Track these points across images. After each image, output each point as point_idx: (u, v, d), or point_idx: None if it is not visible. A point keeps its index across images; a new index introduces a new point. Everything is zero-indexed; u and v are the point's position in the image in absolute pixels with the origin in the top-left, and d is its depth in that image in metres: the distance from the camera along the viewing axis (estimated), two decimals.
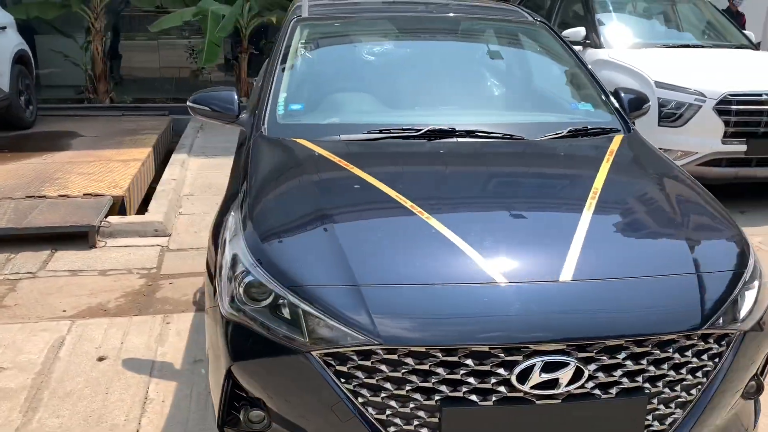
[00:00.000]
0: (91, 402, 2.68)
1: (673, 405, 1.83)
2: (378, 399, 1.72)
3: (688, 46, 6.08)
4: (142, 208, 5.71)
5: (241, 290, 1.88)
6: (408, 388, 1.71)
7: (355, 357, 1.72)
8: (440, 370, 1.70)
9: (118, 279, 3.88)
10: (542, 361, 1.69)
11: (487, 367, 1.70)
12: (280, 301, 1.82)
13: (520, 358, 1.70)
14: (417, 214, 2.04)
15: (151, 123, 7.69)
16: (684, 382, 1.82)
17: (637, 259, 1.94)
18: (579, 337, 1.72)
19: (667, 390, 1.80)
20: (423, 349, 1.69)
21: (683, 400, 1.83)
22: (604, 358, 1.73)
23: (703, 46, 6.14)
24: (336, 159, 2.35)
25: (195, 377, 2.86)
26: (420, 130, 2.54)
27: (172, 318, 3.40)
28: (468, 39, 3.30)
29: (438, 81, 2.98)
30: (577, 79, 3.03)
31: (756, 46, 6.38)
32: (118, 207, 4.84)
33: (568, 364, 1.70)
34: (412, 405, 1.72)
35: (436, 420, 1.72)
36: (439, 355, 1.70)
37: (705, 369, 1.83)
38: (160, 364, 2.97)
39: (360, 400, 1.73)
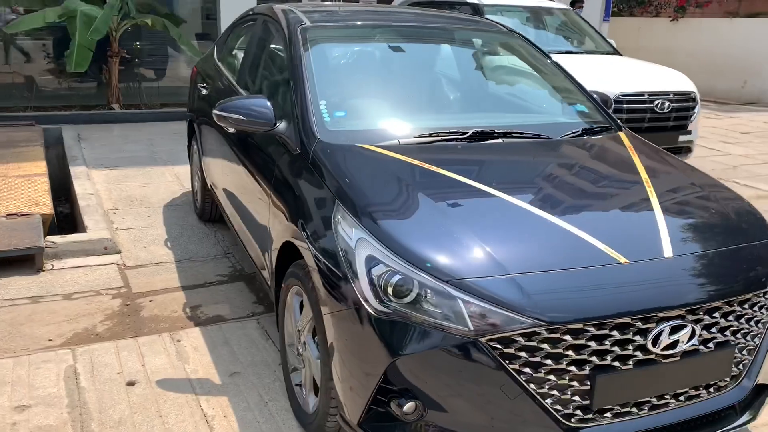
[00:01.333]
0: (150, 427, 2.56)
1: (745, 352, 2.22)
2: (540, 375, 1.92)
3: (569, 52, 6.81)
4: (64, 226, 5.30)
5: (390, 289, 1.98)
6: (565, 361, 1.93)
7: (520, 339, 1.90)
8: (591, 343, 1.94)
9: (89, 302, 3.63)
10: (669, 325, 2.00)
11: (628, 336, 1.96)
12: (428, 295, 1.94)
13: (653, 325, 1.98)
14: (522, 206, 2.26)
15: (23, 134, 7.02)
16: (752, 333, 2.22)
17: (710, 234, 2.32)
18: (693, 302, 2.04)
19: (744, 340, 2.19)
20: (580, 326, 1.92)
21: (751, 347, 2.23)
22: (707, 318, 2.08)
23: (580, 53, 6.92)
24: (418, 162, 2.49)
25: (242, 389, 2.82)
26: (466, 132, 2.74)
27: (180, 335, 3.28)
28: (467, 48, 3.54)
29: (458, 86, 3.20)
30: (565, 84, 3.40)
31: (619, 52, 7.30)
32: (48, 226, 4.46)
33: (686, 326, 2.02)
34: (567, 377, 1.94)
35: (587, 387, 1.95)
36: (592, 329, 1.93)
37: (763, 321, 2.25)
38: (198, 381, 2.89)
39: (523, 377, 1.92)
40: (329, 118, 2.77)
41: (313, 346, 2.41)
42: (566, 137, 2.92)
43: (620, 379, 1.97)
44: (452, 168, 2.49)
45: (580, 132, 2.98)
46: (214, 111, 2.88)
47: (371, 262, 2.05)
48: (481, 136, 2.77)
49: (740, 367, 2.23)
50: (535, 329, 1.90)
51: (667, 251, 2.14)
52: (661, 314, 2.00)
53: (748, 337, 2.21)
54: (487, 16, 6.83)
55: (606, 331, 1.94)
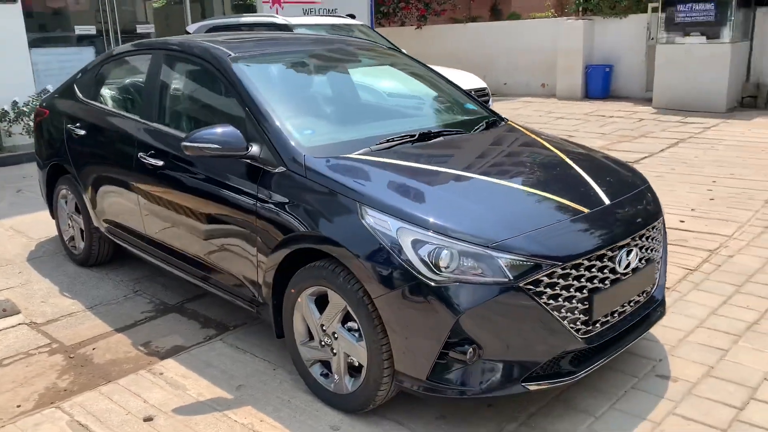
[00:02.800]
0: None
1: (657, 264, 3.08)
2: (558, 302, 2.54)
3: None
4: None
5: (441, 262, 2.44)
6: (573, 289, 2.57)
7: (544, 278, 2.50)
8: (585, 273, 2.61)
9: (28, 363, 3.44)
10: (625, 251, 2.75)
11: (605, 263, 2.67)
12: (472, 259, 2.44)
13: (617, 252, 2.72)
14: (494, 181, 2.88)
15: None
16: (656, 249, 3.08)
17: (619, 184, 3.12)
18: (634, 232, 2.82)
19: (655, 255, 3.04)
20: (579, 261, 2.58)
21: (658, 260, 3.10)
22: (640, 242, 2.87)
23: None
24: (400, 162, 2.97)
25: (258, 397, 3.02)
26: (414, 135, 3.26)
27: (157, 368, 3.32)
28: (375, 66, 4.01)
29: (379, 98, 3.66)
30: (451, 88, 4.07)
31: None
32: None
33: (632, 250, 2.80)
34: (575, 300, 2.58)
35: (587, 306, 2.62)
36: (585, 262, 2.60)
37: (659, 240, 3.13)
38: (212, 401, 3.01)
39: (549, 307, 2.52)
40: (300, 136, 3.09)
41: (347, 333, 2.75)
42: (478, 130, 3.58)
43: (605, 295, 2.67)
44: (428, 161, 3.01)
45: (484, 126, 3.66)
46: (184, 143, 3.02)
47: (417, 244, 2.49)
48: (424, 136, 3.30)
49: (657, 275, 3.08)
50: (553, 269, 2.51)
51: (606, 200, 2.90)
52: (620, 243, 2.74)
53: (656, 253, 3.06)
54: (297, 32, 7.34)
55: (593, 262, 2.63)
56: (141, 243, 3.99)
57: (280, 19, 7.76)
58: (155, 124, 3.74)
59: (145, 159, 3.68)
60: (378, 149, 3.11)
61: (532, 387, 2.54)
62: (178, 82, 3.85)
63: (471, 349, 2.46)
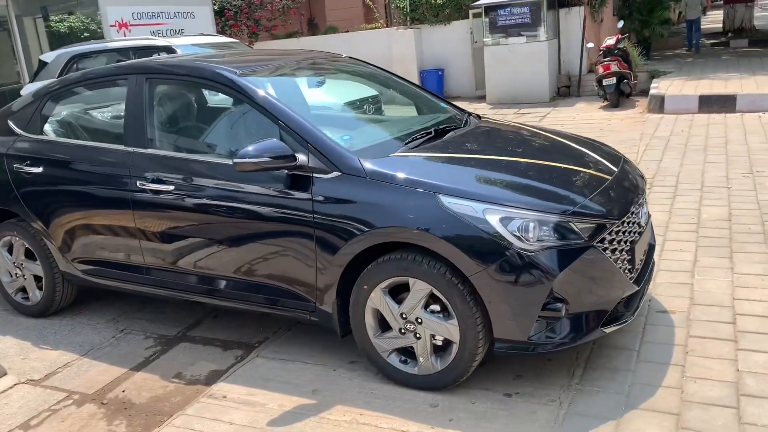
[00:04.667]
0: None
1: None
2: (617, 255, 2.99)
3: None
4: None
5: (529, 234, 2.78)
6: (623, 243, 3.04)
7: (607, 236, 2.94)
8: (628, 227, 3.09)
9: (62, 419, 3.20)
10: (640, 209, 3.28)
11: (634, 219, 3.18)
12: (554, 228, 2.81)
13: (638, 209, 3.24)
14: (532, 162, 3.28)
15: None
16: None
17: (609, 155, 3.65)
18: (643, 191, 3.37)
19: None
20: (624, 218, 3.05)
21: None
22: (644, 201, 3.44)
23: None
24: (441, 154, 3.25)
25: (345, 396, 3.12)
26: (430, 132, 3.55)
27: (215, 392, 3.26)
28: (362, 77, 4.19)
29: (377, 103, 3.88)
30: (419, 90, 4.38)
31: None
32: None
33: (644, 206, 3.35)
34: (624, 251, 3.05)
35: (630, 256, 3.10)
36: (627, 219, 3.08)
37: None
38: (307, 406, 3.06)
39: (613, 259, 2.97)
40: (341, 141, 3.25)
41: (433, 316, 2.98)
42: (472, 126, 3.94)
43: (639, 245, 3.19)
44: (463, 151, 3.36)
45: (465, 120, 4.03)
46: (235, 160, 3.05)
47: (505, 220, 2.80)
48: (438, 133, 3.60)
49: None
50: (613, 227, 2.96)
51: (614, 168, 3.42)
52: (639, 201, 3.27)
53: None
54: (185, 53, 7.19)
55: (630, 218, 3.13)
56: (137, 276, 3.82)
57: (160, 41, 7.50)
58: (159, 151, 3.62)
59: (146, 186, 3.56)
60: (413, 146, 3.36)
61: (608, 330, 2.98)
62: (175, 106, 3.76)
63: (561, 306, 2.83)
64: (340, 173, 3.11)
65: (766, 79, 10.94)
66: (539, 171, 3.26)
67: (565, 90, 13.24)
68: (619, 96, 11.14)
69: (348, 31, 17.09)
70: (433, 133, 3.55)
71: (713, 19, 22.85)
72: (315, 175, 3.15)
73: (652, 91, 10.68)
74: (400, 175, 3.04)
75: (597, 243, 2.89)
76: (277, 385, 3.28)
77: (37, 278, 4.28)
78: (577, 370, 3.16)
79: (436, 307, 2.98)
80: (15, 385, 3.54)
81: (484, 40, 12.82)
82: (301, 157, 3.15)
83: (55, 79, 4.26)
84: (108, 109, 4.22)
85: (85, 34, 10.60)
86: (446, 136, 3.60)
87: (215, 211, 3.41)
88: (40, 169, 4.00)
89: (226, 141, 3.66)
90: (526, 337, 2.84)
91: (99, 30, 9.70)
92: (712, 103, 9.83)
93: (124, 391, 3.41)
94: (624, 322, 3.05)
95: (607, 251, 2.93)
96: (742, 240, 4.62)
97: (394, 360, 3.15)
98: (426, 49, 14.38)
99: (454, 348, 2.97)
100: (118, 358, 3.76)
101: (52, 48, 11.49)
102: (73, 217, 3.92)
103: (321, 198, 3.11)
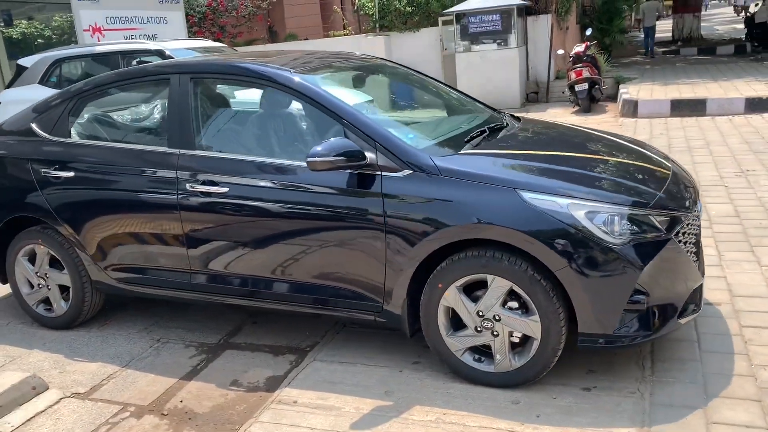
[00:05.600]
0: None
1: None
2: (687, 247, 3.06)
3: None
4: None
5: (614, 227, 2.82)
6: (691, 234, 3.11)
7: (679, 228, 3.00)
8: (692, 220, 3.16)
9: (127, 430, 3.06)
10: (699, 202, 3.37)
11: (698, 211, 3.25)
12: (634, 220, 2.85)
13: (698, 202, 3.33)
14: (590, 156, 3.35)
15: None
16: None
17: (654, 151, 3.73)
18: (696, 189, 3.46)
19: None
20: (692, 210, 3.12)
21: None
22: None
23: None
24: (515, 151, 3.32)
25: (423, 396, 3.09)
26: (485, 131, 3.57)
27: (283, 399, 3.18)
28: (407, 78, 4.17)
29: (423, 103, 3.86)
30: (451, 90, 4.39)
31: None
32: None
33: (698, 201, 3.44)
34: (691, 242, 3.11)
35: (696, 246, 3.16)
36: (684, 212, 3.14)
37: None
38: (385, 408, 3.01)
39: (685, 249, 3.03)
40: (408, 140, 3.22)
41: (511, 313, 2.98)
42: (521, 125, 3.96)
43: (699, 236, 3.27)
44: (526, 148, 3.41)
45: (506, 120, 4.06)
46: (309, 159, 3.00)
47: (590, 215, 2.83)
48: (492, 131, 3.62)
49: None
50: (686, 219, 3.03)
51: (668, 164, 3.50)
52: (696, 195, 3.35)
53: None
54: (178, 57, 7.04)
55: (694, 211, 3.21)
56: (180, 282, 3.69)
57: (150, 45, 7.30)
58: (211, 152, 3.52)
59: (197, 188, 3.45)
60: (476, 144, 3.37)
61: (683, 321, 3.04)
62: (223, 106, 3.65)
63: (644, 299, 2.87)
64: (411, 171, 3.08)
65: (730, 84, 11.41)
66: (607, 166, 3.30)
67: (534, 96, 13.51)
68: (590, 101, 11.43)
69: (307, 38, 17.04)
70: (488, 132, 3.56)
71: (663, 29, 23.73)
72: (384, 173, 3.11)
73: (624, 96, 10.99)
74: (476, 171, 3.03)
75: (675, 235, 2.95)
76: (346, 388, 3.22)
77: (62, 288, 4.09)
78: (645, 362, 3.21)
79: (514, 304, 2.98)
80: (61, 399, 3.37)
81: (456, 46, 12.96)
82: (370, 155, 3.11)
83: (82, 81, 4.07)
84: (144, 110, 4.08)
85: (53, 39, 10.24)
86: (500, 134, 3.62)
87: (274, 212, 3.33)
88: (71, 174, 3.83)
89: (283, 141, 3.58)
90: (612, 331, 2.87)
91: (66, 35, 9.34)
92: (683, 108, 10.20)
93: (182, 401, 3.28)
94: (694, 312, 3.12)
95: (680, 243, 3.00)
96: (758, 234, 4.79)
97: (468, 358, 3.13)
98: (396, 56, 14.41)
99: (535, 344, 2.97)
100: (164, 368, 3.62)
101: (13, 54, 11.05)
102: (109, 223, 3.77)
103: (392, 196, 3.08)
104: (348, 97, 3.50)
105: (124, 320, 4.26)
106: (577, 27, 15.51)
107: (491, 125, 3.73)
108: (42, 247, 4.03)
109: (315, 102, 3.32)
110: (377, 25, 14.45)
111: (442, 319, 3.12)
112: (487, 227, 2.91)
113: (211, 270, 3.58)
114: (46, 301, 4.17)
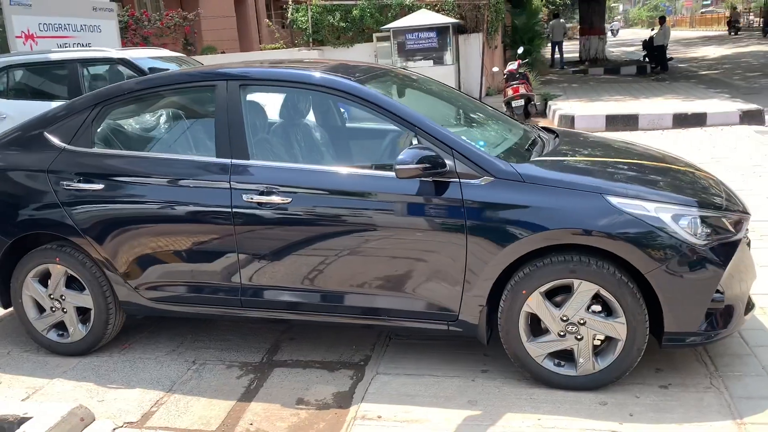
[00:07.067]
0: None
1: None
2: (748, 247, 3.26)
3: None
4: None
5: (698, 229, 2.95)
6: (748, 233, 3.30)
7: (745, 228, 3.17)
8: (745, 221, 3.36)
9: None
10: None
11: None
12: (713, 222, 3.00)
13: None
14: (659, 165, 3.50)
15: None
16: None
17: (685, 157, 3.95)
18: None
19: None
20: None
21: None
22: None
23: None
24: (590, 158, 3.44)
25: (508, 390, 3.09)
26: (554, 132, 3.66)
27: (364, 414, 3.07)
28: (439, 89, 4.15)
29: (469, 111, 3.90)
30: (480, 103, 4.44)
31: None
32: None
33: None
34: (748, 242, 3.31)
35: (749, 246, 3.36)
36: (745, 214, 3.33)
37: None
38: (475, 417, 2.98)
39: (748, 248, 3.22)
40: (484, 148, 3.24)
41: (597, 316, 3.04)
42: (567, 136, 4.05)
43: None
44: (594, 155, 3.47)
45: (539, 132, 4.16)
46: (398, 167, 2.97)
47: (676, 218, 2.95)
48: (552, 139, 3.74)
49: None
50: (748, 221, 3.22)
51: (710, 173, 3.71)
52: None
53: None
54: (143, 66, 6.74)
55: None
56: (228, 299, 3.50)
57: (113, 53, 6.87)
58: (272, 162, 3.38)
59: (254, 199, 3.30)
60: (543, 153, 3.44)
61: (747, 317, 3.22)
62: (275, 114, 3.51)
63: (722, 297, 3.02)
64: (493, 178, 3.09)
65: (659, 99, 12.25)
66: (669, 173, 3.45)
67: None
68: (525, 116, 11.89)
69: (224, 52, 16.71)
70: (543, 141, 3.64)
71: (570, 49, 25.06)
72: (462, 180, 3.10)
73: (560, 112, 11.51)
74: (560, 177, 3.09)
75: (743, 234, 3.13)
76: (426, 400, 3.17)
77: (80, 311, 3.77)
78: (704, 359, 3.36)
79: (597, 307, 3.05)
80: (115, 429, 3.10)
81: (393, 62, 13.11)
82: (449, 163, 3.10)
83: (104, 87, 3.79)
84: (180, 119, 3.85)
85: None
86: (555, 144, 3.70)
87: (341, 222, 3.24)
88: (99, 186, 3.56)
89: (347, 149, 3.50)
90: (696, 329, 3.00)
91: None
92: (617, 122, 10.81)
93: (252, 424, 3.11)
94: (753, 308, 3.31)
95: (742, 239, 3.18)
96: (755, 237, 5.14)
97: (549, 364, 3.16)
98: None
99: (619, 346, 3.05)
100: (214, 390, 3.41)
101: None
102: (145, 238, 3.52)
103: (474, 204, 3.07)
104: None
105: (145, 343, 3.98)
106: (502, 46, 16.11)
107: (536, 136, 3.81)
108: (59, 266, 3.70)
109: (386, 111, 3.26)
110: (310, 40, 14.38)
111: (523, 326, 3.14)
112: (579, 232, 2.96)
113: (266, 284, 3.43)
114: (59, 326, 3.83)
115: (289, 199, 3.27)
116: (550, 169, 3.19)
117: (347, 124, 3.66)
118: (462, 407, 3.09)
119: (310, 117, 3.74)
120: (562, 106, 12.14)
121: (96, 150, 3.65)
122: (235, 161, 3.38)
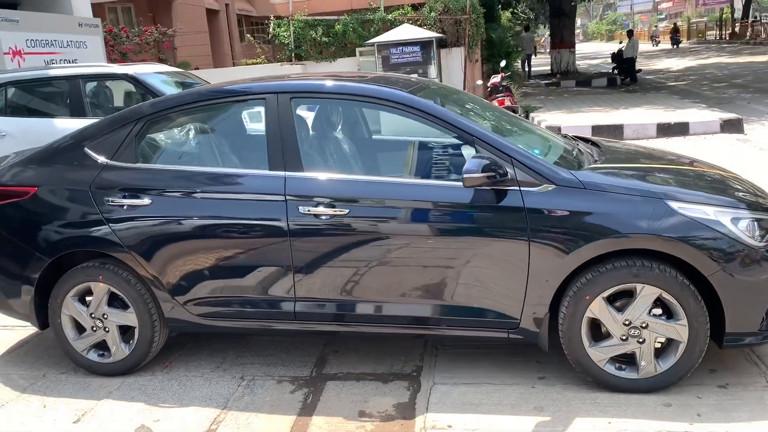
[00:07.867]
0: None
1: None
2: None
3: None
4: None
5: (756, 232, 3.04)
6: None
7: None
8: None
9: None
10: None
11: None
12: (764, 226, 3.10)
13: None
14: (698, 170, 3.58)
15: None
16: None
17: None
18: None
19: None
20: None
21: None
22: None
23: None
24: (637, 165, 3.51)
25: (572, 395, 3.12)
26: (588, 140, 3.74)
27: (433, 425, 3.07)
28: (462, 96, 4.17)
29: (498, 120, 3.97)
30: (510, 114, 4.49)
31: None
32: None
33: None
34: None
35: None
36: None
37: None
38: (546, 423, 3.00)
39: None
40: (541, 156, 3.29)
41: (658, 319, 3.10)
42: (605, 144, 4.12)
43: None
44: (638, 162, 3.58)
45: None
46: (466, 176, 3.00)
47: (735, 221, 3.03)
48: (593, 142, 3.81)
49: None
50: None
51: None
52: None
53: None
54: (149, 82, 6.67)
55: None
56: (280, 313, 3.47)
57: (116, 68, 6.76)
58: (328, 174, 3.37)
59: (311, 211, 3.29)
60: (601, 159, 3.52)
61: None
62: (327, 126, 3.50)
63: None
64: (553, 186, 3.14)
65: (640, 109, 12.55)
66: (718, 179, 3.55)
67: None
68: None
69: (198, 68, 16.61)
70: (583, 150, 3.72)
71: (541, 62, 25.52)
72: (523, 188, 3.14)
73: (545, 123, 11.69)
74: (621, 183, 3.16)
75: None
76: (492, 408, 3.17)
77: (122, 329, 3.69)
78: (752, 358, 3.45)
79: (658, 310, 3.11)
80: None
81: None
82: (510, 172, 3.14)
83: (148, 102, 3.74)
84: (227, 132, 3.81)
85: None
86: (605, 152, 3.77)
87: (401, 232, 3.25)
88: (146, 202, 3.50)
89: (402, 160, 3.51)
90: (757, 329, 3.08)
91: None
92: (603, 132, 11.01)
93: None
94: None
95: None
96: None
97: (611, 368, 3.20)
98: None
99: (681, 348, 3.11)
100: (270, 406, 3.37)
101: None
102: (195, 254, 3.47)
103: (536, 210, 3.11)
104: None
105: (186, 360, 3.91)
106: (481, 59, 16.33)
107: (576, 145, 3.88)
108: (101, 284, 3.62)
109: (440, 120, 3.29)
110: (292, 55, 14.37)
111: (585, 331, 3.18)
112: (643, 237, 3.02)
113: (322, 297, 3.41)
114: (100, 346, 3.74)
115: (347, 210, 3.27)
116: (609, 176, 3.25)
117: (392, 137, 3.68)
118: (531, 414, 3.10)
119: (361, 129, 3.75)
120: (545, 118, 12.36)
121: (142, 165, 3.60)
122: (289, 174, 3.37)
